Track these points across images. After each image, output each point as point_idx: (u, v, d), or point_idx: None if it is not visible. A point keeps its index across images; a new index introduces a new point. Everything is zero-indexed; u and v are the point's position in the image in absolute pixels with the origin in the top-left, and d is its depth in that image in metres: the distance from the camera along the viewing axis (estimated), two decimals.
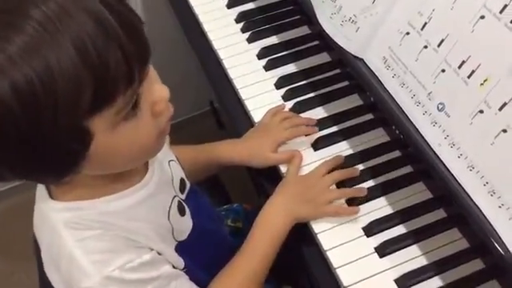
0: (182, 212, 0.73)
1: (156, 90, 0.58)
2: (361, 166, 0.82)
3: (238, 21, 1.03)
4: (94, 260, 0.59)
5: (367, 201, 0.78)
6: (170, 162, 0.75)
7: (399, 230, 0.75)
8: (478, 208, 0.61)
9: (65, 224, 0.60)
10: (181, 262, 0.70)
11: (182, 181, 0.76)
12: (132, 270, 0.61)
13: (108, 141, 0.54)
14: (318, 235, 0.76)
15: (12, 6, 0.48)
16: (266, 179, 0.85)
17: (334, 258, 0.73)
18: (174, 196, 0.72)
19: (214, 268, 0.76)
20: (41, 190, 0.63)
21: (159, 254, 0.66)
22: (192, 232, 0.74)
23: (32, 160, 0.52)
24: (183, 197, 0.75)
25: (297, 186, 0.79)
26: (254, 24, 1.01)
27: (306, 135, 0.86)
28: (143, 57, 0.54)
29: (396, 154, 0.83)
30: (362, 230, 0.76)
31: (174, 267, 0.68)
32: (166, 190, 0.71)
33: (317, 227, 0.76)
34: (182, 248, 0.71)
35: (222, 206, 1.06)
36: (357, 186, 0.80)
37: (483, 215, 0.61)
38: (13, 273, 1.44)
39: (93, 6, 0.50)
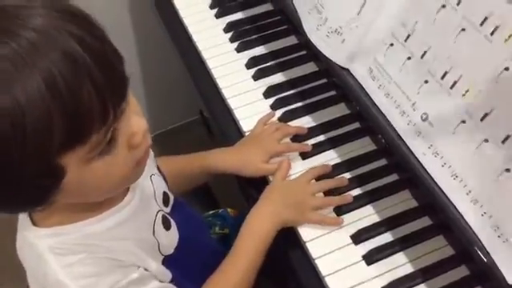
0: (167, 226, 0.73)
1: (133, 123, 0.56)
2: (348, 175, 0.83)
3: (226, 30, 1.04)
4: (82, 285, 0.60)
5: (355, 209, 0.79)
6: (151, 176, 0.74)
7: (386, 237, 0.77)
8: (462, 216, 0.63)
9: (49, 250, 0.60)
10: (168, 275, 0.71)
11: (165, 194, 0.76)
12: None
13: (81, 176, 0.53)
14: (307, 243, 0.77)
15: None
16: (254, 188, 0.86)
17: (323, 266, 0.74)
18: (158, 210, 0.72)
19: (203, 277, 0.76)
20: (23, 217, 0.63)
21: (146, 270, 0.66)
22: (179, 245, 0.74)
23: (4, 193, 0.52)
24: (168, 210, 0.75)
25: (282, 191, 0.80)
26: (242, 34, 1.03)
27: (301, 154, 0.86)
28: (119, 93, 0.52)
29: (382, 162, 0.84)
30: (349, 238, 0.77)
31: (160, 281, 0.68)
32: (149, 205, 0.71)
33: (305, 235, 0.77)
34: (169, 261, 0.71)
35: (208, 210, 1.06)
36: (343, 194, 0.81)
37: (466, 223, 0.62)
38: (2, 284, 1.45)
39: (64, 42, 0.49)
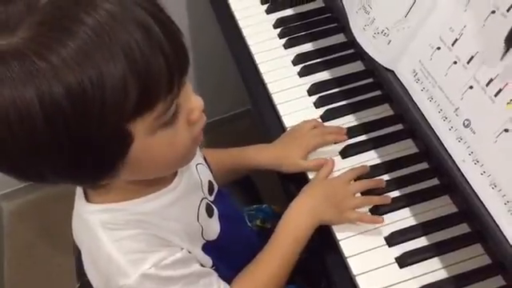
0: (210, 213, 0.76)
1: (192, 100, 0.60)
2: (387, 176, 0.83)
3: (275, 26, 1.05)
4: (131, 259, 0.62)
5: (391, 211, 0.79)
6: (197, 165, 0.77)
7: (421, 241, 0.76)
8: (498, 226, 0.62)
9: (101, 225, 0.63)
10: (209, 261, 0.73)
11: (210, 183, 0.79)
12: (166, 267, 0.64)
13: (146, 145, 0.56)
14: (340, 242, 0.77)
15: (66, 12, 0.50)
16: (294, 184, 0.87)
17: (355, 265, 0.75)
18: (203, 198, 0.75)
19: (239, 265, 0.78)
20: (79, 194, 0.67)
21: (189, 252, 0.69)
22: (220, 232, 0.76)
23: (75, 161, 0.54)
24: (211, 199, 0.78)
25: (323, 189, 0.81)
26: (291, 30, 1.03)
27: (335, 142, 0.87)
28: (183, 66, 0.56)
29: (423, 165, 0.83)
30: (383, 240, 0.77)
31: (202, 265, 0.71)
32: (195, 192, 0.74)
33: (339, 234, 0.78)
34: (208, 247, 0.74)
35: (251, 205, 1.08)
36: (383, 195, 0.81)
37: (502, 234, 0.61)
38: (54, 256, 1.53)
39: (140, 15, 0.52)
